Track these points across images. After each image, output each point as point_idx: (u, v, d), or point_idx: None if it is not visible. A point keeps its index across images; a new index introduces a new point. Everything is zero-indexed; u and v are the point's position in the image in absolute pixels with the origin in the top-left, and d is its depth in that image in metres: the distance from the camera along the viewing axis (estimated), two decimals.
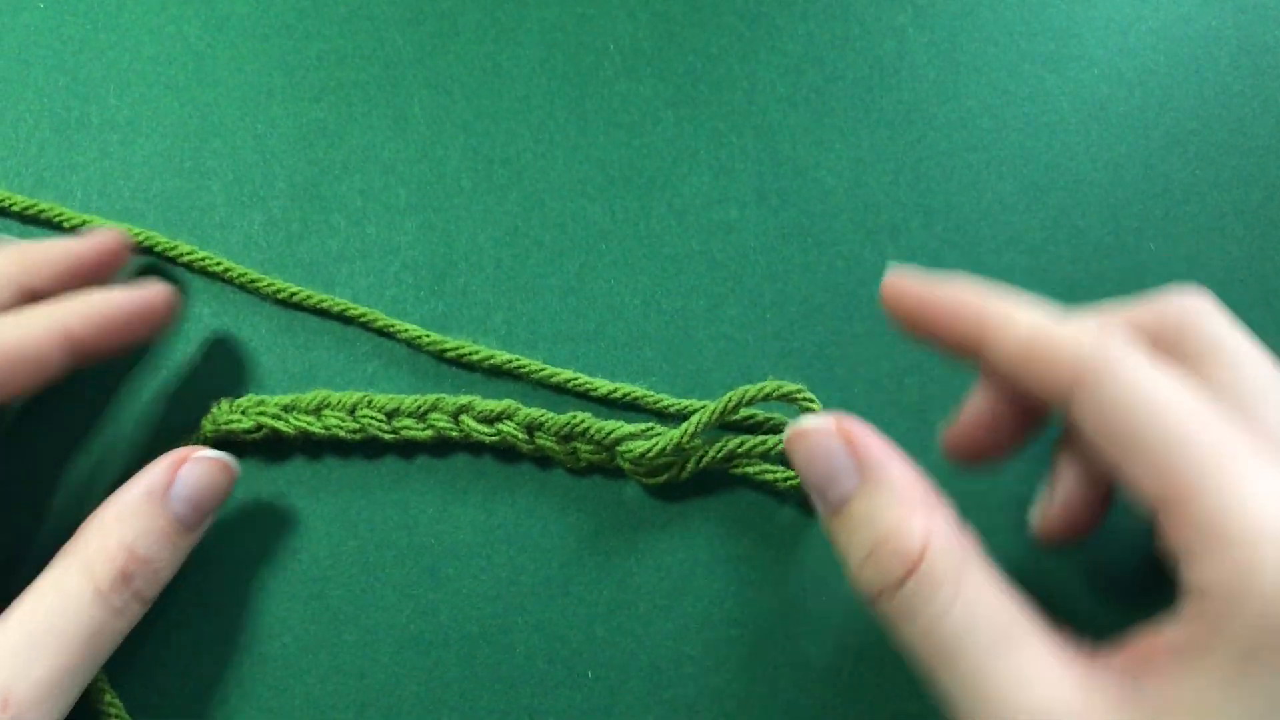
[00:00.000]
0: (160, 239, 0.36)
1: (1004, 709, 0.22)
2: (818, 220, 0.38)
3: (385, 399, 0.34)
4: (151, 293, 0.33)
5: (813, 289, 0.37)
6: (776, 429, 0.34)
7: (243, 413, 0.34)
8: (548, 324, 0.36)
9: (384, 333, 0.36)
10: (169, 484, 0.30)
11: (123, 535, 0.29)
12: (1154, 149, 0.39)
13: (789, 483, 0.33)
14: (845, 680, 0.33)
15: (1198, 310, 0.26)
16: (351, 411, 0.34)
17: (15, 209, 0.37)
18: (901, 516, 0.25)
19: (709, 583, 0.34)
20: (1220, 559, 0.21)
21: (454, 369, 0.36)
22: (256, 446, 0.35)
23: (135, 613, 0.29)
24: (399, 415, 0.34)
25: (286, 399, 0.34)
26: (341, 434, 0.34)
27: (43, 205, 0.37)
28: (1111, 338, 0.24)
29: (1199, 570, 0.21)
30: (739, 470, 0.34)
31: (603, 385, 0.35)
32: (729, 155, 0.39)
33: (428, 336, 0.35)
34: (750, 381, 0.35)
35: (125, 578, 0.28)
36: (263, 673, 0.33)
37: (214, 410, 0.34)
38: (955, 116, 0.39)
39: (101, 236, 0.34)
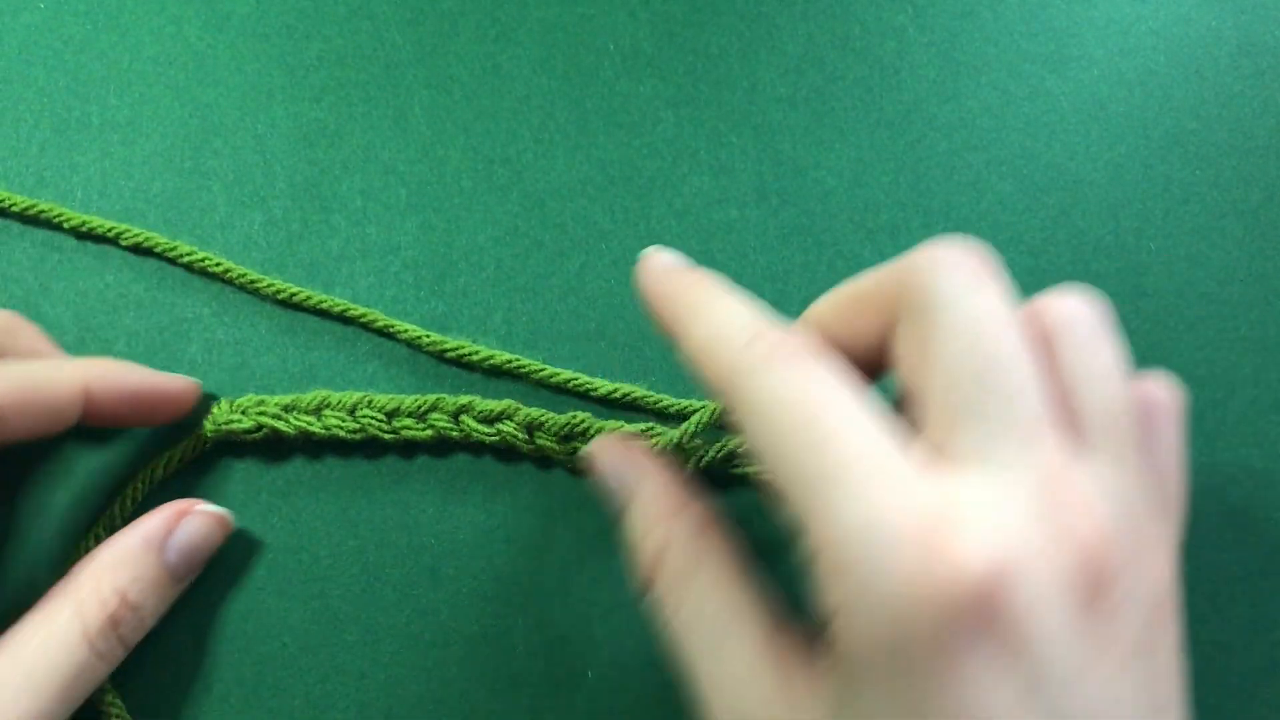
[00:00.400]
0: (160, 239, 0.36)
1: (712, 708, 0.24)
2: (818, 220, 0.38)
3: (385, 399, 0.34)
4: (175, 383, 0.33)
5: (813, 289, 0.37)
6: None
7: (243, 413, 0.34)
8: (548, 324, 0.36)
9: (384, 333, 0.36)
10: (168, 534, 0.31)
11: (116, 581, 0.30)
12: (1154, 149, 0.39)
13: None
14: None
15: (927, 265, 0.24)
16: (352, 412, 0.34)
17: (15, 209, 0.37)
18: (648, 528, 0.27)
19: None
20: (826, 587, 0.21)
21: (454, 369, 0.36)
22: (257, 446, 0.35)
23: (117, 658, 0.30)
24: (399, 415, 0.34)
25: (286, 399, 0.34)
26: (342, 434, 0.34)
27: (42, 205, 0.37)
28: (764, 344, 0.24)
29: (822, 591, 0.22)
30: (739, 470, 0.34)
31: (603, 385, 0.35)
32: (729, 155, 0.39)
33: (427, 337, 0.35)
34: None
35: (114, 623, 0.29)
36: (263, 672, 0.33)
37: (214, 410, 0.34)
38: (955, 116, 0.39)
39: (179, 383, 0.33)
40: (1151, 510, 0.24)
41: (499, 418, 0.34)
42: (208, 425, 0.34)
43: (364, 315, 0.36)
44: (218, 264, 0.36)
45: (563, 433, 0.34)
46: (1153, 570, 0.23)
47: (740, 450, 0.33)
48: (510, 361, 0.35)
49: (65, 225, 0.37)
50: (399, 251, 0.37)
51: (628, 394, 0.35)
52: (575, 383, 0.35)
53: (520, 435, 0.34)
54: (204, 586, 0.34)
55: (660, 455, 0.31)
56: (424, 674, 0.33)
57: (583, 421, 0.34)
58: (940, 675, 0.20)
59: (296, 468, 0.35)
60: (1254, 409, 0.36)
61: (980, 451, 0.22)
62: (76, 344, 0.35)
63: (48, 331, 0.35)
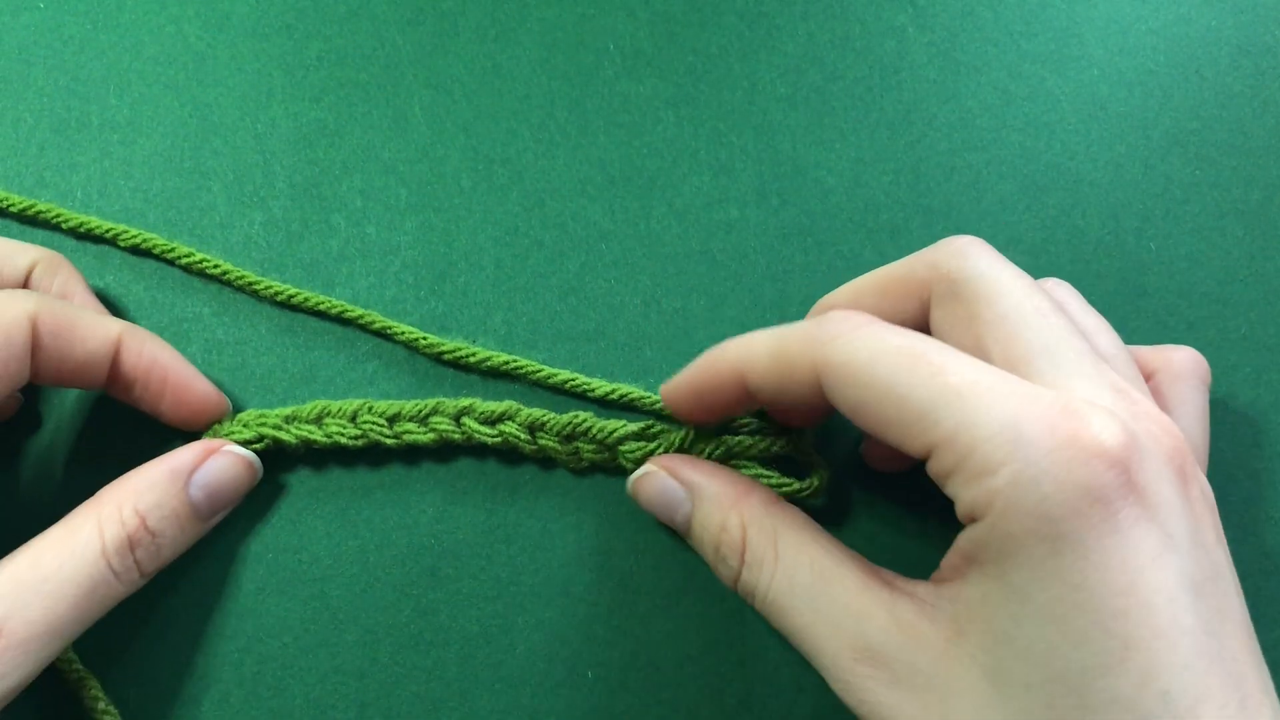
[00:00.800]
0: (158, 240, 0.36)
1: (831, 644, 0.26)
2: (818, 220, 0.38)
3: (386, 405, 0.34)
4: (206, 386, 0.34)
5: (813, 289, 0.37)
6: (775, 431, 0.34)
7: (244, 425, 0.34)
8: (548, 324, 0.36)
9: (382, 334, 0.36)
10: (194, 469, 0.31)
11: (138, 503, 0.30)
12: (1154, 149, 0.39)
13: (786, 489, 0.33)
14: None
15: (958, 253, 0.28)
16: (353, 418, 0.34)
17: (14, 209, 0.37)
18: (723, 518, 0.30)
19: (708, 583, 0.34)
20: (975, 489, 0.24)
21: (452, 370, 0.36)
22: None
23: (133, 581, 0.30)
24: (400, 420, 0.34)
25: (286, 411, 0.34)
26: (344, 441, 0.34)
27: (41, 206, 0.37)
28: (831, 322, 0.27)
29: (962, 501, 0.24)
30: (739, 470, 0.34)
31: (601, 385, 0.35)
32: (729, 155, 0.39)
33: (424, 339, 0.35)
34: None
35: (131, 544, 0.29)
36: (263, 672, 0.33)
37: (214, 425, 0.34)
38: (955, 116, 0.39)
39: (210, 390, 0.34)
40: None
41: (501, 419, 0.34)
42: (208, 436, 0.34)
43: (362, 316, 0.36)
44: (215, 265, 0.36)
45: (565, 432, 0.34)
46: (1206, 482, 0.26)
47: (739, 450, 0.33)
48: (508, 362, 0.35)
49: (64, 226, 0.37)
50: (399, 251, 0.37)
51: (625, 394, 0.35)
52: (573, 383, 0.35)
53: (523, 436, 0.34)
54: (205, 585, 0.34)
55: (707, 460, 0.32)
56: (423, 674, 0.33)
57: (585, 421, 0.34)
58: (1098, 533, 0.22)
59: (297, 468, 0.35)
60: (1254, 409, 0.36)
61: (1062, 374, 0.25)
62: None
63: None
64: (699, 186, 0.38)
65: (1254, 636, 0.25)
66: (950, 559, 0.26)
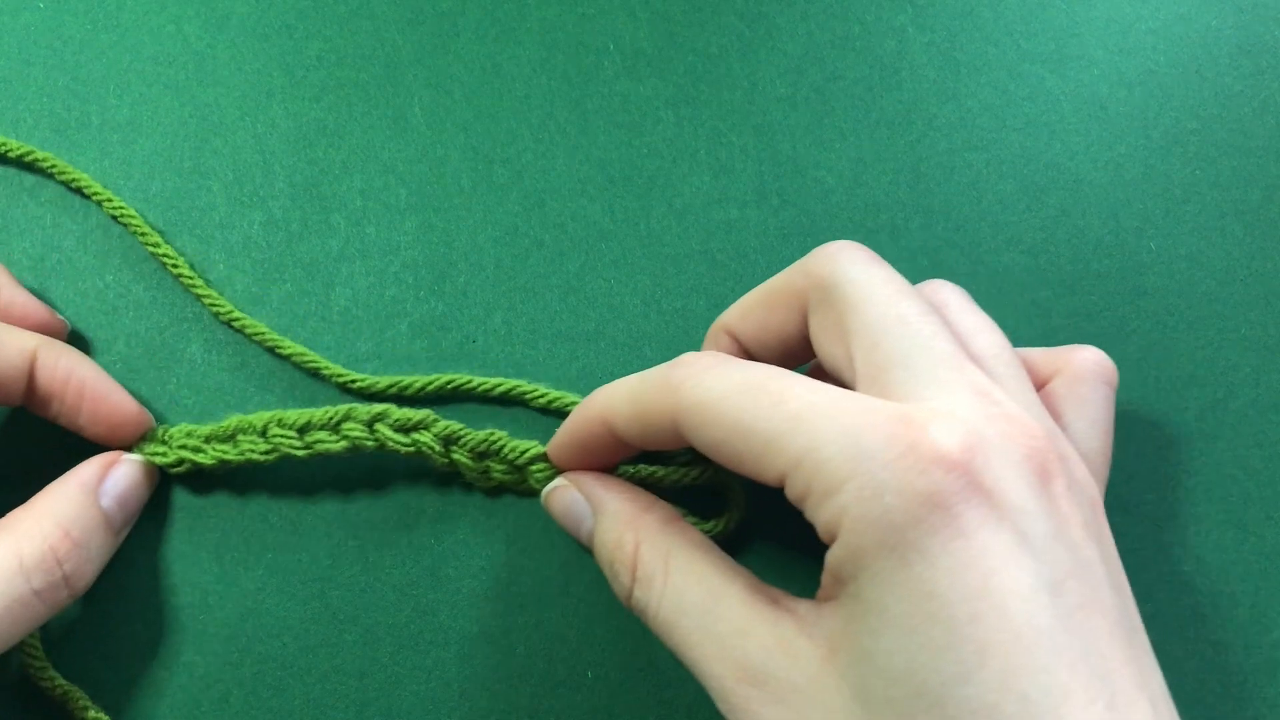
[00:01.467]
0: (134, 217, 0.37)
1: (716, 665, 0.26)
2: (818, 220, 0.38)
3: (296, 415, 0.33)
4: (127, 401, 0.33)
5: None
6: (694, 461, 0.34)
7: (167, 444, 0.33)
8: (548, 324, 0.36)
9: (313, 374, 0.36)
10: (101, 481, 0.31)
11: (57, 517, 0.29)
12: (1154, 149, 0.39)
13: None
14: None
15: (829, 259, 0.28)
16: (263, 433, 0.33)
17: (11, 155, 0.37)
18: (619, 534, 0.30)
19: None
20: (825, 510, 0.24)
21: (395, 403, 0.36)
22: None
23: (60, 600, 0.29)
24: (311, 429, 0.33)
25: (207, 429, 0.33)
26: (255, 457, 0.33)
27: (39, 154, 0.37)
28: (681, 365, 0.28)
29: (818, 523, 0.25)
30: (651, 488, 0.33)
31: (543, 394, 0.35)
32: (729, 155, 0.39)
33: (355, 380, 0.35)
34: None
35: (55, 557, 0.29)
36: (263, 672, 0.33)
37: (139, 444, 0.34)
38: (955, 116, 0.39)
39: (131, 405, 0.33)
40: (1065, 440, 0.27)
41: (416, 427, 0.33)
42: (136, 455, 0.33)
43: (293, 355, 0.35)
44: (173, 263, 0.36)
45: (479, 449, 0.33)
46: (1081, 476, 0.26)
47: (654, 478, 0.33)
48: (449, 382, 0.35)
49: (57, 177, 0.37)
50: (399, 251, 0.37)
51: (571, 402, 0.35)
52: (516, 390, 0.35)
53: (436, 448, 0.33)
54: (204, 586, 0.34)
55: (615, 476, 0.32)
56: (423, 674, 0.33)
57: (498, 440, 0.33)
58: (942, 538, 0.22)
59: (295, 467, 0.35)
60: (1254, 409, 0.36)
61: (918, 383, 0.25)
62: (76, 344, 0.35)
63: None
64: (699, 186, 0.38)
65: (1136, 631, 0.24)
66: (825, 578, 0.25)
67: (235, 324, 0.36)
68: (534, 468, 0.33)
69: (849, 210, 0.38)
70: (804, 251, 0.37)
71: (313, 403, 0.35)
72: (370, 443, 0.33)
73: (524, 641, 0.33)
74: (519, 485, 0.34)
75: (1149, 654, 0.25)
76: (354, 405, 0.33)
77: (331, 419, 0.33)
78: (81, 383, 0.32)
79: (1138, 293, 0.37)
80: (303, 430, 0.33)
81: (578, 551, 0.34)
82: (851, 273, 0.28)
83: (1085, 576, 0.23)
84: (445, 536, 0.34)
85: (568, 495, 0.32)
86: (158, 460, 0.33)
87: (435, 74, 0.39)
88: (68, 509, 0.30)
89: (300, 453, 0.33)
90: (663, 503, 0.31)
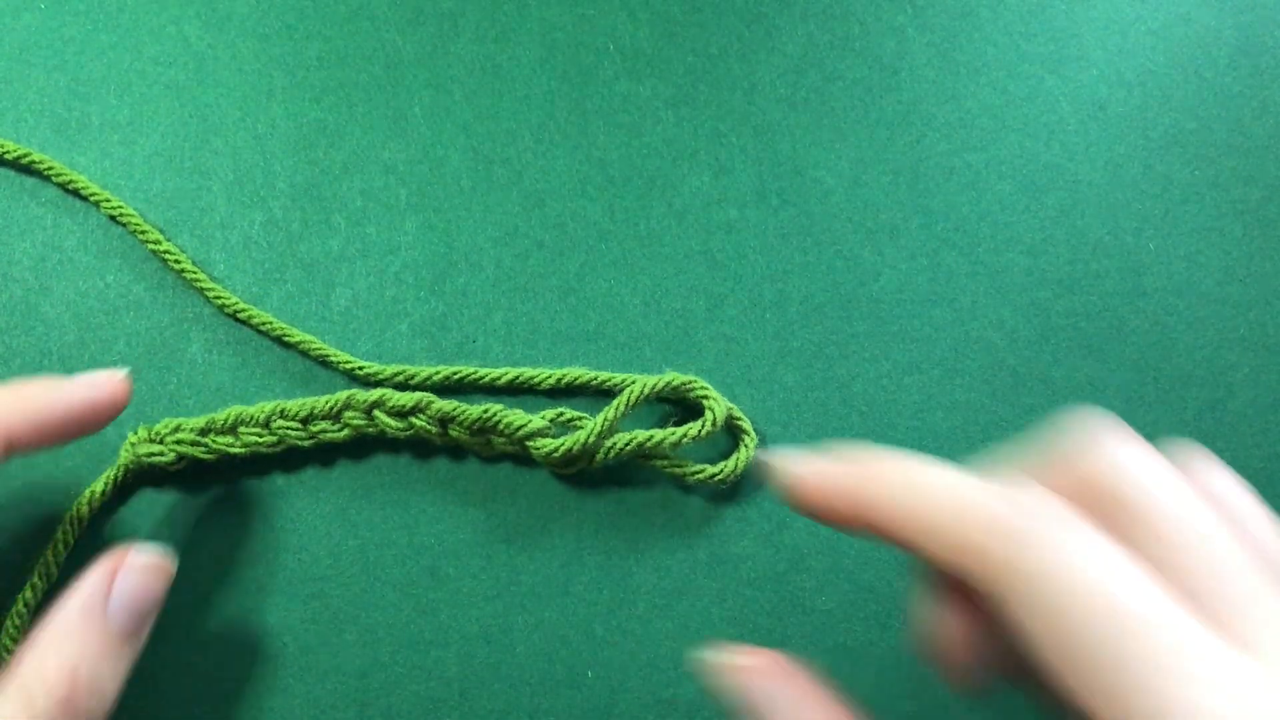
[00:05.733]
0: (134, 217, 0.37)
1: None
2: (817, 220, 0.38)
3: (298, 405, 0.34)
4: (101, 386, 0.30)
5: (812, 289, 0.37)
6: (692, 413, 0.35)
7: (160, 442, 0.33)
8: (548, 324, 0.36)
9: (321, 362, 0.36)
10: (105, 596, 0.29)
11: (62, 660, 0.27)
12: (1153, 149, 0.39)
13: (696, 476, 0.34)
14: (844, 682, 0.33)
15: (1099, 455, 0.22)
16: (267, 424, 0.33)
17: (9, 157, 0.37)
18: None
19: (708, 582, 0.34)
20: None
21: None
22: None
23: None
24: (314, 420, 0.34)
25: (201, 421, 0.33)
26: (261, 449, 0.33)
27: (35, 155, 0.37)
28: (1024, 508, 0.21)
29: None
30: (651, 463, 0.34)
31: (549, 377, 0.35)
32: (729, 155, 0.39)
33: (362, 367, 0.35)
34: (750, 383, 0.35)
35: (69, 706, 0.27)
36: (263, 672, 0.33)
37: (130, 439, 0.33)
38: (954, 117, 0.39)
39: (98, 382, 0.31)
40: None
41: (412, 411, 0.34)
42: (124, 455, 0.33)
43: (301, 343, 0.35)
44: (177, 260, 0.36)
45: (475, 427, 0.34)
46: None
47: (649, 444, 0.33)
48: (454, 374, 0.35)
49: (54, 179, 0.37)
50: (399, 251, 0.37)
51: (576, 378, 0.35)
52: (522, 378, 0.35)
53: (433, 429, 0.34)
54: (204, 586, 0.34)
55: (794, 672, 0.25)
56: (423, 673, 0.33)
57: (495, 415, 0.33)
58: None
59: (296, 467, 0.35)
60: (1253, 409, 0.36)
61: (1255, 625, 0.20)
62: (76, 344, 0.35)
63: (48, 333, 0.35)
64: (698, 186, 0.38)
65: None
66: None
67: (241, 315, 0.36)
68: (532, 443, 0.33)
69: (848, 210, 0.38)
70: (803, 252, 0.37)
71: (320, 392, 0.35)
72: (371, 430, 0.34)
73: (524, 641, 0.33)
74: (520, 454, 0.34)
75: None
76: (353, 391, 0.34)
77: (333, 408, 0.33)
78: (59, 424, 0.30)
79: (1137, 293, 0.37)
80: (306, 420, 0.33)
81: (578, 551, 0.34)
82: (1135, 474, 0.21)
83: None
84: (446, 536, 0.34)
85: (746, 681, 0.24)
86: (156, 460, 0.33)
87: (435, 74, 0.39)
88: (71, 646, 0.28)
89: (305, 443, 0.33)
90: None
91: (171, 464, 0.33)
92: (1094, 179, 0.39)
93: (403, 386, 0.35)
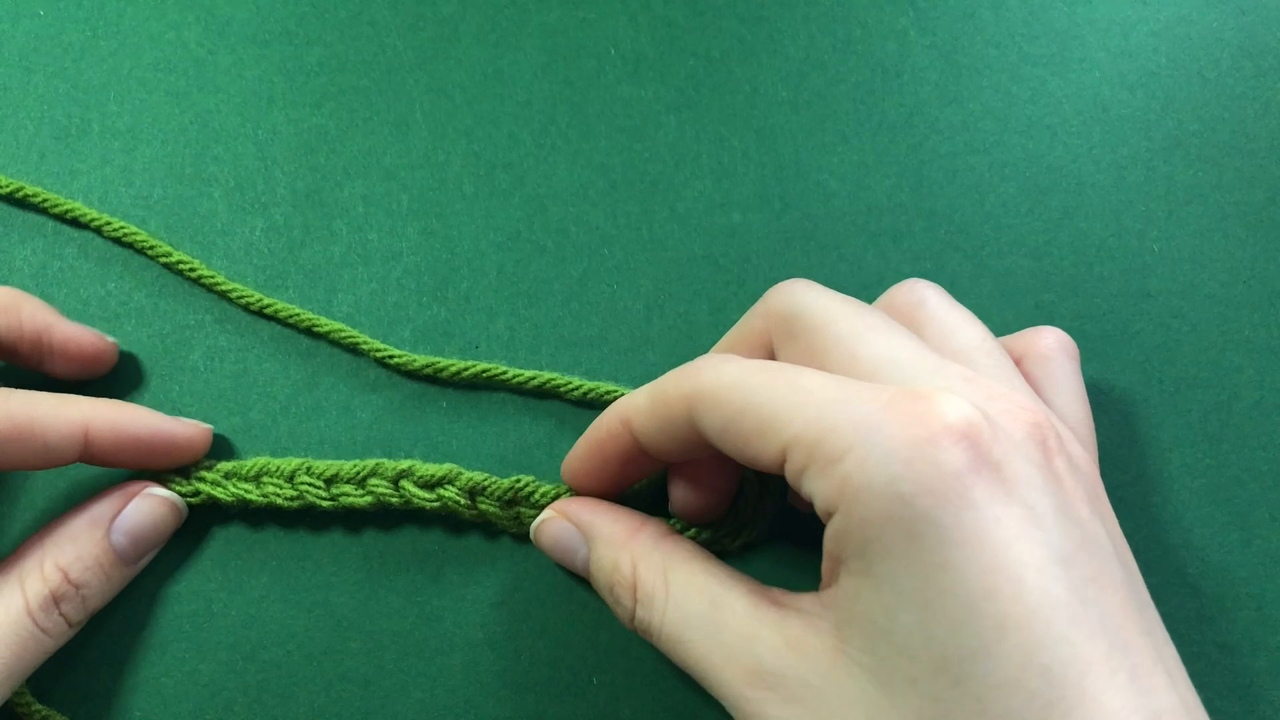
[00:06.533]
0: (140, 234, 0.36)
1: (726, 673, 0.26)
2: (820, 224, 0.38)
3: (324, 465, 0.33)
4: (185, 429, 0.33)
5: None
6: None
7: (183, 474, 0.33)
8: (550, 329, 0.36)
9: (352, 350, 0.36)
10: (114, 515, 0.31)
11: (58, 558, 0.30)
12: (1156, 151, 0.39)
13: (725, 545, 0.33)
14: None
15: (785, 293, 0.29)
16: (290, 479, 0.33)
17: (2, 192, 0.37)
18: (615, 557, 0.30)
19: None
20: (825, 479, 0.23)
21: (428, 384, 0.36)
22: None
23: (62, 633, 0.30)
24: (338, 482, 0.33)
25: (228, 465, 0.33)
26: (280, 502, 0.33)
27: (29, 189, 0.37)
28: (700, 361, 0.28)
29: (817, 495, 0.24)
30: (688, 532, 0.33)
31: (579, 385, 0.35)
32: (731, 159, 0.39)
33: (393, 355, 0.35)
34: None
35: (55, 599, 0.30)
36: (268, 681, 0.33)
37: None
38: (957, 119, 0.39)
39: (190, 430, 0.33)
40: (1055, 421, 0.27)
41: (440, 483, 0.33)
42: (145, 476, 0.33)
43: (331, 331, 0.35)
44: (191, 267, 0.36)
45: (506, 497, 0.33)
46: (1079, 454, 0.26)
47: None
48: (485, 371, 0.35)
49: (51, 211, 0.37)
50: (401, 257, 0.37)
51: (606, 392, 0.35)
52: (551, 383, 0.35)
53: (462, 501, 0.33)
54: (208, 594, 0.33)
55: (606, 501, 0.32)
56: (428, 681, 0.33)
57: (526, 485, 0.33)
58: (954, 509, 0.22)
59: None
60: (1258, 410, 0.36)
61: (908, 377, 0.25)
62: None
63: None
64: (701, 191, 0.38)
65: (1146, 605, 0.24)
66: (825, 563, 0.25)
67: (268, 310, 0.36)
68: None
69: (851, 214, 0.38)
70: (806, 255, 0.37)
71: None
72: (395, 499, 0.33)
73: (529, 648, 0.33)
74: None
75: (1161, 626, 0.25)
76: (382, 460, 0.33)
77: (359, 473, 0.33)
78: (136, 441, 0.31)
79: (1141, 295, 0.37)
80: (329, 482, 0.33)
81: None
82: (810, 299, 0.28)
83: (1094, 550, 0.23)
84: (450, 542, 0.34)
85: (556, 526, 0.32)
86: (175, 488, 0.33)
87: (436, 79, 0.39)
88: (72, 547, 0.30)
89: (325, 504, 0.33)
90: (653, 519, 0.31)
91: (188, 495, 0.33)
92: (1097, 181, 0.39)
93: (433, 379, 0.35)
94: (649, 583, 0.28)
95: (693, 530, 0.33)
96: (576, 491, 0.33)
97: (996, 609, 0.22)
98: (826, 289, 0.29)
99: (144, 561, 0.32)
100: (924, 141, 0.39)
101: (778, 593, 0.27)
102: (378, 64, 0.40)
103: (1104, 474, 0.34)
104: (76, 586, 0.30)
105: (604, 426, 0.31)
